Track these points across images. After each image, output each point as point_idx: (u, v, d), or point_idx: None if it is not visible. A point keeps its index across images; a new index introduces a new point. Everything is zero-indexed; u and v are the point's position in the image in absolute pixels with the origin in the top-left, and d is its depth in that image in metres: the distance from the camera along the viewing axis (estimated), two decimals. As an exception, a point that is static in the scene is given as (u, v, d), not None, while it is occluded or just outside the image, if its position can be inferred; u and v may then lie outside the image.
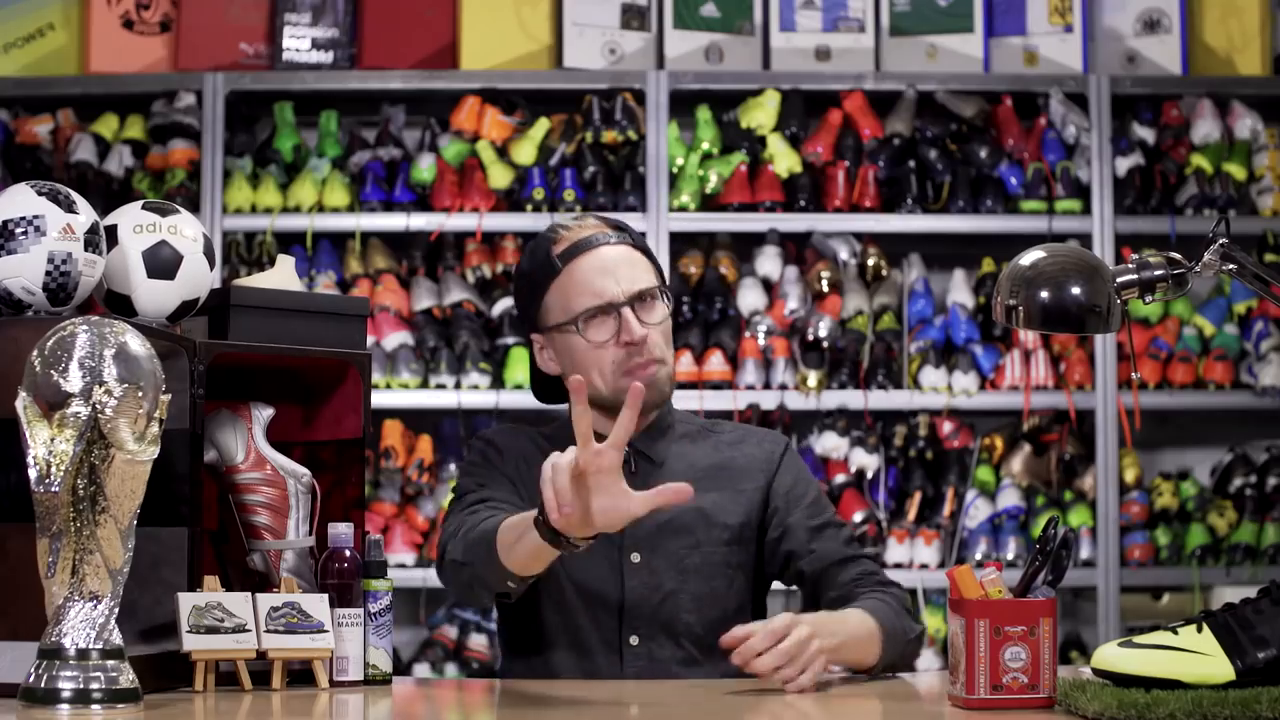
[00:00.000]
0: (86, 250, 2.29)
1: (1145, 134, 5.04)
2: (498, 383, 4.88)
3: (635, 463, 2.63)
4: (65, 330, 2.04)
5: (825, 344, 4.94)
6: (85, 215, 2.30)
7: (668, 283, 2.77)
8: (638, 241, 2.66)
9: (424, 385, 4.89)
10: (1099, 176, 4.97)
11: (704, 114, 5.05)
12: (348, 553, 2.42)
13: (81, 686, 2.01)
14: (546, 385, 2.74)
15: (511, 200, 4.99)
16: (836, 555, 2.64)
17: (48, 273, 2.26)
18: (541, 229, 2.73)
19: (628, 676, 2.57)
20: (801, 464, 2.74)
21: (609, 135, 4.97)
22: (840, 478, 4.92)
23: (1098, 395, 4.91)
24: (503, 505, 2.55)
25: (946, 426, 4.98)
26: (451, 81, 5.04)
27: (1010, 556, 4.83)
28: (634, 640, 2.58)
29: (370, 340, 4.83)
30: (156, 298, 2.40)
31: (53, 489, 1.99)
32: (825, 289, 4.99)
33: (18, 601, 2.16)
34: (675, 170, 4.99)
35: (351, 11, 5.12)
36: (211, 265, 2.44)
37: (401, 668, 4.84)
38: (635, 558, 2.58)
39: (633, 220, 4.85)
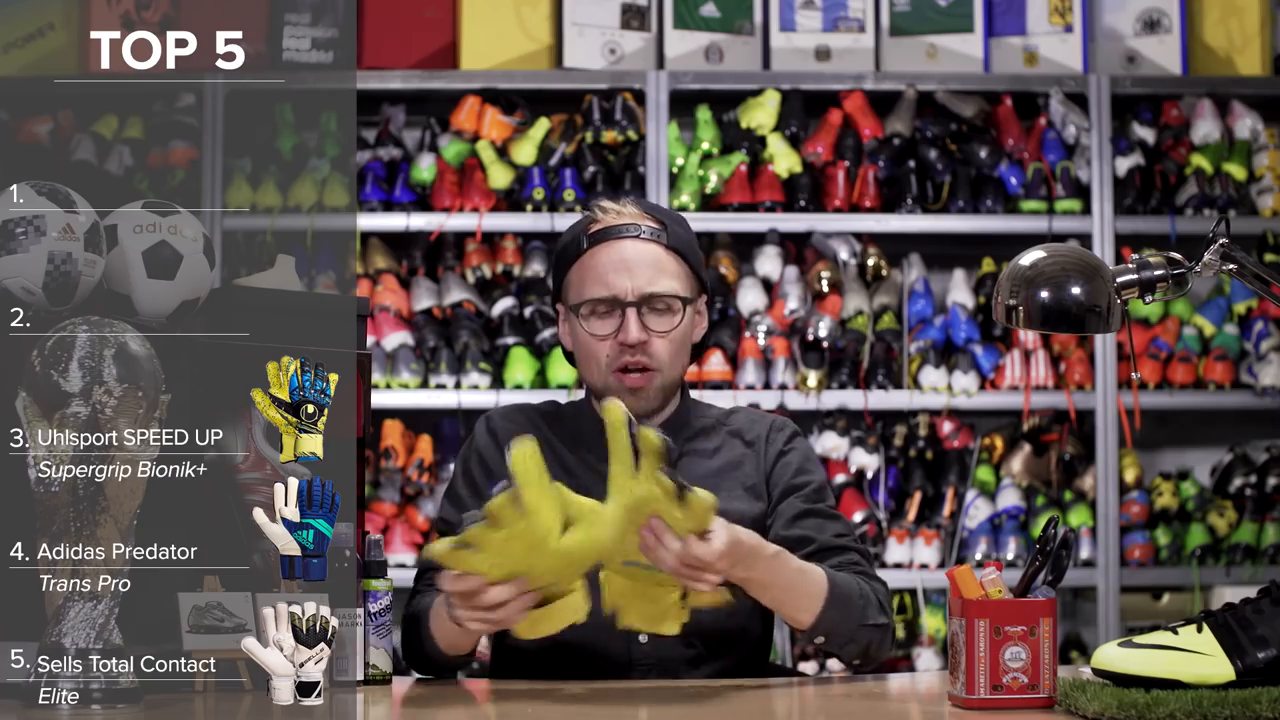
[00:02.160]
0: (86, 250, 2.29)
1: (1145, 134, 5.04)
2: (498, 383, 4.88)
3: None
4: (65, 330, 2.04)
5: (825, 344, 4.94)
6: (85, 215, 2.30)
7: (708, 288, 2.74)
8: (676, 242, 2.63)
9: (424, 385, 4.89)
10: (1099, 176, 4.97)
11: (704, 114, 5.05)
12: (348, 553, 2.42)
13: (81, 686, 2.01)
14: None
15: (511, 200, 4.99)
16: (821, 543, 2.57)
17: (48, 273, 2.26)
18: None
19: (637, 675, 2.56)
20: (809, 454, 2.71)
21: (609, 135, 4.97)
22: (840, 478, 4.92)
23: (1098, 395, 4.91)
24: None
25: (946, 426, 4.98)
26: (451, 81, 5.04)
27: (1010, 556, 4.83)
28: (643, 639, 2.57)
29: (370, 340, 4.82)
30: (156, 298, 2.40)
31: (53, 489, 1.99)
32: (825, 289, 4.99)
33: (18, 602, 2.16)
34: (675, 170, 4.99)
35: (351, 11, 5.12)
36: (211, 265, 2.44)
37: (401, 668, 4.83)
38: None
39: (633, 220, 4.85)
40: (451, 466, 4.86)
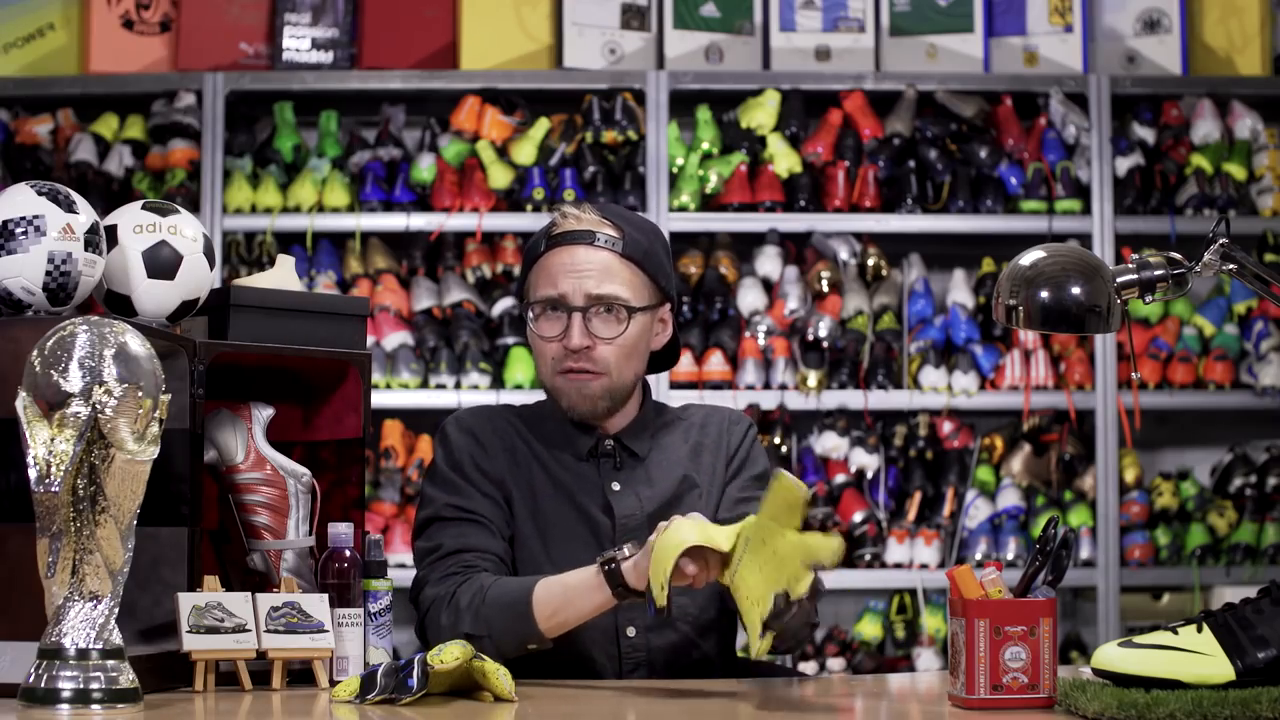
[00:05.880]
0: (86, 250, 2.29)
1: (1145, 134, 5.04)
2: (498, 383, 4.88)
3: (620, 458, 2.67)
4: (65, 330, 2.04)
5: (825, 344, 4.94)
6: (85, 215, 2.30)
7: (674, 297, 2.75)
8: (632, 250, 2.64)
9: (424, 385, 4.89)
10: (1099, 176, 4.97)
11: (704, 114, 5.05)
12: (348, 553, 2.42)
13: (81, 686, 2.01)
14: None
15: (511, 200, 4.99)
16: None
17: (48, 273, 2.26)
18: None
19: (626, 669, 2.57)
20: (759, 448, 2.78)
21: (609, 135, 4.96)
22: (840, 478, 4.92)
23: (1098, 395, 4.91)
24: (487, 554, 2.58)
25: (946, 426, 4.98)
26: (451, 81, 5.04)
27: (1010, 556, 4.83)
28: (631, 631, 2.59)
29: (370, 340, 4.82)
30: (156, 298, 2.40)
31: (53, 489, 1.99)
32: (825, 289, 4.99)
33: (18, 601, 2.16)
34: (675, 170, 4.99)
35: (351, 11, 5.12)
36: (211, 265, 2.44)
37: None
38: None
39: (633, 220, 4.85)
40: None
